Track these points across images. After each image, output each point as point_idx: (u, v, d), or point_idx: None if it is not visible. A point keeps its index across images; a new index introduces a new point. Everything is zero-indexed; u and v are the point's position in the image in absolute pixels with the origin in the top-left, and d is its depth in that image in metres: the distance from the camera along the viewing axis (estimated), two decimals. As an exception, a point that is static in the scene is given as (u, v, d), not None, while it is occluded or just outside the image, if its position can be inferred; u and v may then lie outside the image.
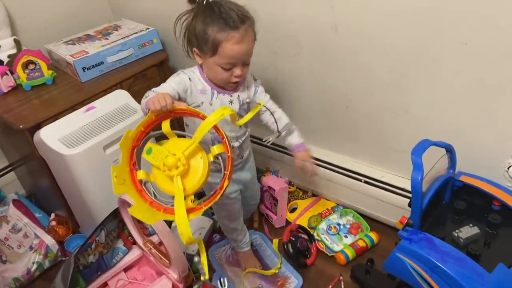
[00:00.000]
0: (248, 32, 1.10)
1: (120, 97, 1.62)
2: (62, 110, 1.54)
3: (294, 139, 1.30)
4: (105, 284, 1.48)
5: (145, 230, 1.56)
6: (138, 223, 1.52)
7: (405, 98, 1.32)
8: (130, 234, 1.54)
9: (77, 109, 1.55)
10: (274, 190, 1.66)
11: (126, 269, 1.53)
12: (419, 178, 1.04)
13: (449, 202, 1.21)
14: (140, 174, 1.09)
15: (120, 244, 1.56)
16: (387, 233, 1.56)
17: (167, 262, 1.44)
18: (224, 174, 1.02)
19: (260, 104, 1.24)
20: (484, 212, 1.14)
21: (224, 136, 1.01)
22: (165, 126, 1.06)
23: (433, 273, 1.01)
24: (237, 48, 1.09)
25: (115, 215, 1.49)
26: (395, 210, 1.47)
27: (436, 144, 1.10)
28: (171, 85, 1.16)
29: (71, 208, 1.68)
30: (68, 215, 1.70)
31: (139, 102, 1.63)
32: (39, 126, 1.49)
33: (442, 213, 1.18)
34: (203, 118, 1.01)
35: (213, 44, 1.10)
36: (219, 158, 1.04)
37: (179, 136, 1.08)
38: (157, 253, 1.49)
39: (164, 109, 1.02)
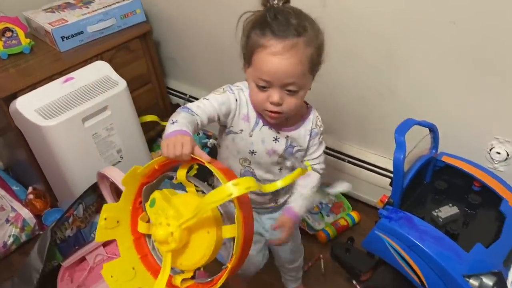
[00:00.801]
0: (299, 49, 0.84)
1: (100, 69, 1.57)
2: (39, 80, 1.49)
3: (293, 201, 1.04)
4: (83, 258, 1.46)
5: (125, 205, 1.53)
6: (118, 198, 1.49)
7: (391, 77, 1.31)
8: (109, 209, 1.51)
9: (55, 79, 1.50)
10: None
11: (105, 244, 1.51)
12: (401, 157, 1.03)
13: (430, 182, 1.20)
14: (141, 226, 0.83)
15: (98, 219, 1.53)
16: (368, 212, 1.57)
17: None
18: (231, 254, 0.73)
19: (306, 168, 0.99)
20: (464, 193, 1.15)
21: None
22: (181, 173, 0.78)
23: (411, 251, 1.02)
24: (273, 61, 0.84)
25: (94, 189, 1.46)
26: (377, 190, 1.47)
27: (420, 123, 1.09)
28: (213, 104, 0.93)
29: (49, 182, 1.64)
30: (46, 188, 1.66)
31: (120, 74, 1.59)
32: (15, 96, 1.44)
33: (422, 193, 1.18)
34: (228, 178, 0.72)
35: (250, 49, 0.88)
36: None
37: (199, 188, 0.79)
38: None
39: (178, 159, 0.76)
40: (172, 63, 2.04)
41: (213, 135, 1.98)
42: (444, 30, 1.12)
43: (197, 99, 1.95)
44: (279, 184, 0.80)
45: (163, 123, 1.93)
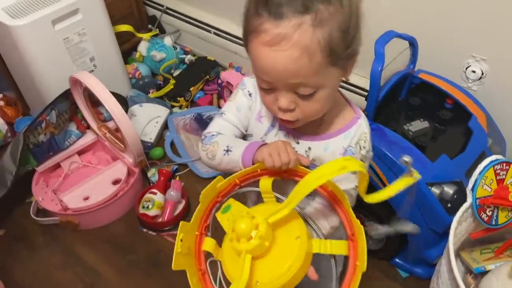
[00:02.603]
0: (303, 33, 0.56)
1: (70, -32, 1.46)
2: (4, -23, 1.38)
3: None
4: (58, 165, 1.46)
5: (99, 116, 1.52)
6: (92, 107, 1.47)
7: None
8: (83, 118, 1.49)
9: (22, -23, 1.40)
10: (232, 86, 1.62)
11: (80, 153, 1.52)
12: (379, 68, 1.02)
13: (404, 99, 1.22)
14: (208, 243, 0.65)
15: (73, 127, 1.51)
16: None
17: (122, 146, 1.43)
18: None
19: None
20: (436, 109, 1.17)
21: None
22: (265, 183, 0.64)
23: (380, 161, 1.05)
24: (268, 54, 0.59)
25: (67, 96, 1.42)
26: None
27: (401, 35, 1.08)
28: (231, 120, 0.73)
29: (20, 89, 1.59)
30: (17, 96, 1.62)
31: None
32: (-22, -8, 1.34)
33: (396, 108, 1.20)
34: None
35: (244, 34, 0.63)
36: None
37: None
38: (113, 138, 1.47)
39: (284, 167, 0.62)
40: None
41: (190, 51, 1.93)
42: None
43: (174, 11, 1.91)
44: (390, 190, 0.62)
45: (139, 35, 1.85)
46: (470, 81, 1.22)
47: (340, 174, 0.54)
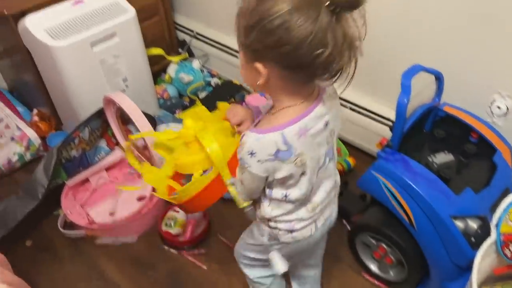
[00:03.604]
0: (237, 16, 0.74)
1: (110, -6, 1.55)
2: (48, 0, 1.47)
3: None
4: (87, 180, 1.51)
5: (129, 133, 1.57)
6: (122, 125, 1.53)
7: (399, 24, 1.30)
8: (113, 135, 1.55)
9: (64, 1, 1.48)
10: (258, 107, 1.66)
11: (108, 169, 1.56)
12: (405, 100, 1.05)
13: (429, 131, 1.24)
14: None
15: (103, 144, 1.57)
16: (364, 159, 1.61)
17: (149, 164, 1.47)
18: None
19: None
20: (461, 142, 1.18)
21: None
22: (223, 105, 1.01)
23: (404, 192, 1.06)
24: None
25: (100, 114, 1.48)
26: (377, 138, 1.49)
27: (427, 70, 1.10)
28: None
29: (55, 105, 1.66)
30: (51, 111, 1.69)
31: (129, 2, 1.57)
32: (24, 14, 1.42)
33: (421, 139, 1.21)
34: None
35: None
36: None
37: None
38: (140, 155, 1.51)
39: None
40: (182, -3, 2.01)
41: (217, 75, 1.99)
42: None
43: (204, 36, 1.97)
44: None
45: (169, 58, 1.92)
46: (495, 116, 1.23)
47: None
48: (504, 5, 1.08)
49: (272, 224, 0.89)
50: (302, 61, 0.68)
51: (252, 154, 0.75)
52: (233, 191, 0.92)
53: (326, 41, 0.66)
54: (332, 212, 0.95)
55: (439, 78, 1.16)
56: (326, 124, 0.79)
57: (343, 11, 0.66)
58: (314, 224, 0.90)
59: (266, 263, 0.99)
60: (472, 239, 1.02)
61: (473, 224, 1.03)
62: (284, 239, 0.89)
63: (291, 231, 0.88)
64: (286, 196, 0.82)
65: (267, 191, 0.84)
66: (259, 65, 0.72)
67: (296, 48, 0.66)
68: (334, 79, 0.72)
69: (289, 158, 0.76)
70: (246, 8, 0.70)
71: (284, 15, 0.65)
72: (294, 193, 0.82)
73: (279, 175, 0.79)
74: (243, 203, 0.92)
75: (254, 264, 1.06)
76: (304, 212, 0.87)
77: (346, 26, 0.67)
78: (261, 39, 0.68)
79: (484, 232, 1.02)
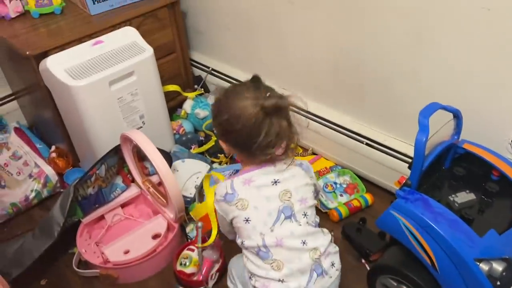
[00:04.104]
0: None
1: (128, 34, 1.59)
2: (69, 41, 1.52)
3: None
4: (102, 217, 1.51)
5: (144, 170, 1.58)
6: (139, 161, 1.53)
7: (417, 60, 1.30)
8: (129, 172, 1.56)
9: (84, 41, 1.53)
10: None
11: (123, 205, 1.56)
12: (424, 139, 1.04)
13: (449, 168, 1.21)
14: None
15: (119, 181, 1.58)
16: (382, 196, 1.58)
17: (164, 201, 1.47)
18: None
19: None
20: (482, 181, 1.15)
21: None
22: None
23: (424, 233, 1.04)
24: None
25: (116, 151, 1.50)
26: (394, 174, 1.48)
27: (445, 108, 1.10)
28: None
29: (72, 142, 1.68)
30: (69, 148, 1.71)
31: (147, 42, 1.61)
32: (45, 54, 1.47)
33: (440, 178, 1.19)
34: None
35: None
36: None
37: None
38: (155, 192, 1.52)
39: None
40: (197, 35, 2.05)
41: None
42: (476, 15, 1.11)
43: (219, 72, 2.01)
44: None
45: (184, 94, 1.95)
46: (516, 153, 1.20)
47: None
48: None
49: (252, 281, 1.01)
50: (245, 144, 0.95)
51: (215, 194, 1.04)
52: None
53: (260, 132, 0.92)
54: (316, 282, 0.99)
55: (457, 115, 1.14)
56: (275, 182, 0.98)
57: (272, 113, 0.92)
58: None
59: None
60: (498, 282, 0.98)
61: (498, 267, 0.99)
62: None
63: None
64: (242, 243, 1.01)
65: (238, 240, 1.04)
66: (221, 142, 1.04)
67: (238, 136, 0.96)
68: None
69: (232, 200, 0.98)
70: (215, 101, 1.02)
71: (232, 115, 0.94)
72: (247, 241, 0.99)
73: (230, 216, 1.01)
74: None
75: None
76: (273, 272, 0.97)
77: (278, 123, 0.93)
78: (218, 125, 1.01)
79: (509, 274, 0.98)
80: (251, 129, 0.92)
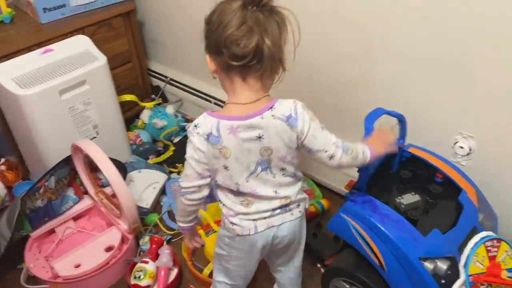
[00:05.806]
0: None
1: (80, 43, 1.57)
2: (17, 50, 1.48)
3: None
4: (52, 230, 1.46)
5: (98, 181, 1.54)
6: (91, 172, 1.50)
7: (365, 67, 1.34)
8: (82, 183, 1.52)
9: (34, 50, 1.49)
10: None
11: (75, 218, 1.52)
12: (369, 143, 1.06)
13: (395, 171, 1.25)
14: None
15: (71, 193, 1.53)
16: (338, 201, 1.61)
17: (118, 213, 1.44)
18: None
19: None
20: (427, 183, 1.20)
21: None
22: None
23: (372, 233, 1.06)
24: None
25: (67, 162, 1.46)
26: (348, 179, 1.51)
27: (389, 113, 1.13)
28: None
29: (22, 154, 1.63)
30: (19, 160, 1.65)
31: (101, 51, 1.59)
32: (-9, 63, 1.42)
33: (388, 181, 1.23)
34: None
35: None
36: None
37: None
38: (109, 203, 1.48)
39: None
40: (155, 45, 2.04)
41: (191, 119, 1.99)
42: (417, 24, 1.17)
43: (178, 82, 2.00)
44: None
45: (142, 104, 1.93)
46: (459, 156, 1.25)
47: None
48: (462, 50, 1.13)
49: (224, 210, 1.01)
50: (218, 46, 0.86)
51: (195, 126, 0.91)
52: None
53: (233, 23, 0.84)
54: (283, 225, 1.00)
55: (401, 120, 1.18)
56: (259, 137, 0.92)
57: (253, 5, 0.84)
58: (253, 223, 0.98)
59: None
60: (442, 280, 1.01)
61: (442, 265, 1.02)
62: (227, 225, 1.00)
63: (232, 223, 0.99)
64: (216, 180, 0.98)
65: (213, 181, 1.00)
66: (207, 57, 0.93)
67: (215, 35, 0.87)
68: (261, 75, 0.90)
69: (216, 144, 0.91)
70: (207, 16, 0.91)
71: (216, 10, 0.88)
72: (220, 182, 0.97)
73: (209, 154, 0.93)
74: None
75: (218, 268, 1.14)
76: (241, 207, 0.98)
77: (260, 17, 0.84)
78: (205, 38, 0.92)
79: (453, 272, 1.01)
80: (227, 22, 0.84)
